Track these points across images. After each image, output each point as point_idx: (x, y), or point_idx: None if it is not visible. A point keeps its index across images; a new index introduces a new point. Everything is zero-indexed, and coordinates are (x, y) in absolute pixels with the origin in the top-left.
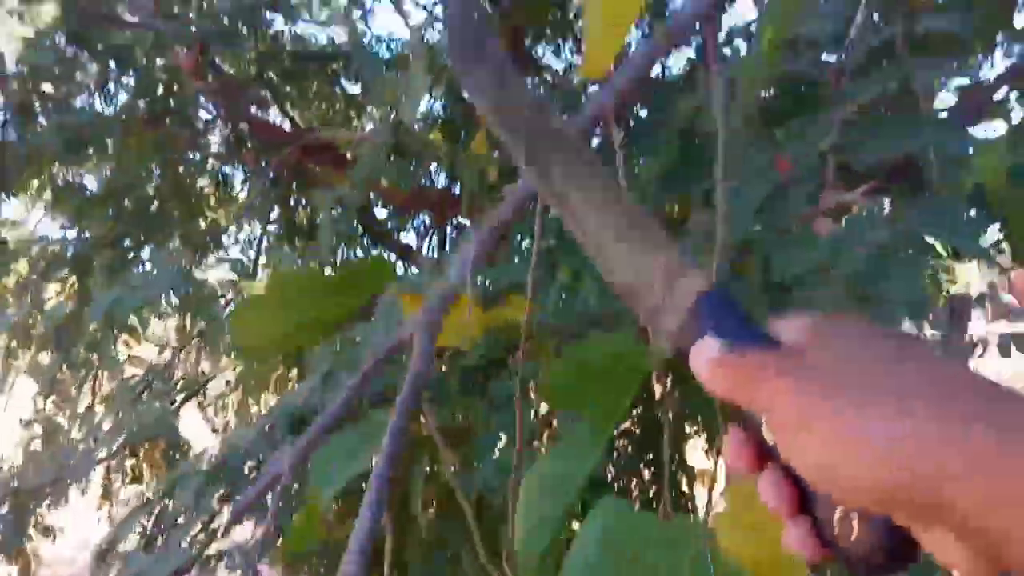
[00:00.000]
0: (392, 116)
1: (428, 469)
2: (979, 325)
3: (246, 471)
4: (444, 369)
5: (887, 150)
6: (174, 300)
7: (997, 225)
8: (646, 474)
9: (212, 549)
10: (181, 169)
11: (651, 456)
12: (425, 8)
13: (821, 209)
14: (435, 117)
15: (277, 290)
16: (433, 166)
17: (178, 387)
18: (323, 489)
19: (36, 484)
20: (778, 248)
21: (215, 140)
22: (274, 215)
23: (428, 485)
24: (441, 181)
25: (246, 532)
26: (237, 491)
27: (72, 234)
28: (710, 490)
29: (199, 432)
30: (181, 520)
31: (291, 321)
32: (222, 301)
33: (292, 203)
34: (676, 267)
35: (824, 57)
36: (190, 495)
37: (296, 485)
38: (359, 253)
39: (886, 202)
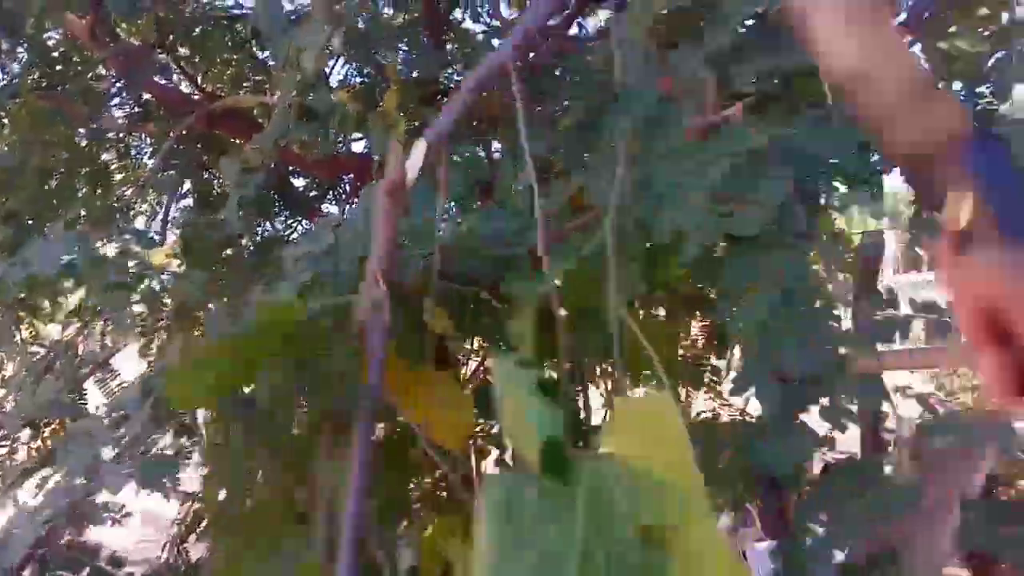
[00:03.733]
0: (298, 76)
1: None
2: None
3: None
4: None
5: (771, 61)
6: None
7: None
8: None
9: None
10: (84, 142)
11: None
12: None
13: (701, 125)
14: (347, 81)
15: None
16: (349, 133)
17: (81, 363)
18: None
19: None
20: (658, 161)
21: (118, 111)
22: (186, 188)
23: None
24: (359, 148)
25: None
26: None
27: None
28: None
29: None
30: None
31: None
32: (124, 274)
33: (203, 175)
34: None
35: None
36: None
37: None
38: (276, 226)
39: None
